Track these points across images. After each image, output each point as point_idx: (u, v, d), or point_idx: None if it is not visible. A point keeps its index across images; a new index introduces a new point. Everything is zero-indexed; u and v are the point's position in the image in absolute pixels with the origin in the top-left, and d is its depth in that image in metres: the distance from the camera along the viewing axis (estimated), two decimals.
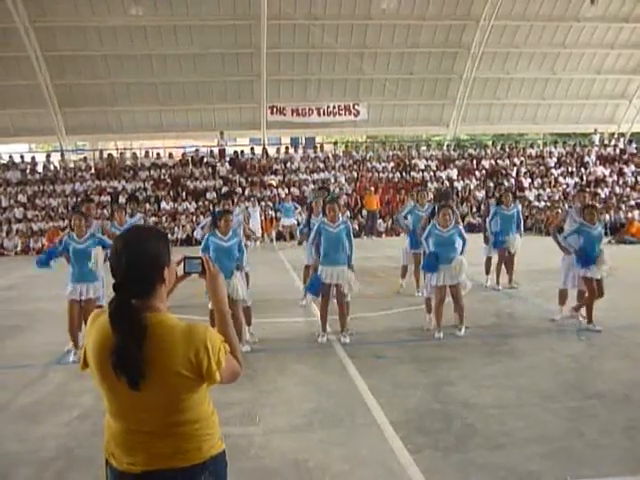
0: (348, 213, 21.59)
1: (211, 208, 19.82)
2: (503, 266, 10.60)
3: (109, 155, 24.62)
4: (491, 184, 21.46)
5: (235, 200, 9.08)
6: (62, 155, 25.08)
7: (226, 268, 6.59)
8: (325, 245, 7.41)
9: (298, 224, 15.71)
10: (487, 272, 10.76)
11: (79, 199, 18.18)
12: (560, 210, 9.12)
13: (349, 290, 7.45)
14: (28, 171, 23.59)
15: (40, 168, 23.95)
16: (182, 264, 2.31)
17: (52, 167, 23.93)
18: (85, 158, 25.54)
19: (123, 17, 22.46)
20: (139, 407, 2.11)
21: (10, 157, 24.14)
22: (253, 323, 7.63)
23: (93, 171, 23.78)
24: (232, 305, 6.27)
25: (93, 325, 2.20)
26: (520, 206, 11.12)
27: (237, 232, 7.39)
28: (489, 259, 10.83)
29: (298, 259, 11.74)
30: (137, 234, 2.25)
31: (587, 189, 15.04)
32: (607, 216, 19.81)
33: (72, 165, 24.66)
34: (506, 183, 20.79)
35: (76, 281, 7.01)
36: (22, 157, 24.28)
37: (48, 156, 24.84)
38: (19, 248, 19.56)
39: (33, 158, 24.69)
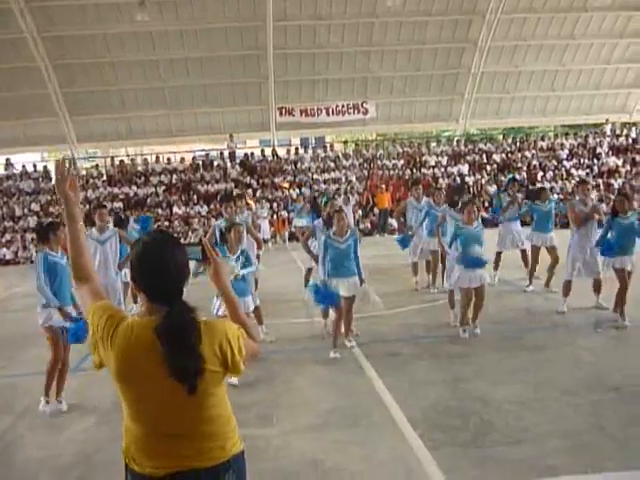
0: (360, 212, 21.65)
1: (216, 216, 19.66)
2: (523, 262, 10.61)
3: (120, 162, 24.73)
4: (502, 178, 21.32)
5: (237, 202, 8.76)
6: (74, 163, 25.21)
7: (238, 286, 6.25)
8: (333, 258, 7.00)
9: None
10: (496, 268, 10.51)
11: (92, 206, 18.25)
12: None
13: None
14: (41, 180, 23.75)
15: (53, 176, 24.09)
16: None
17: None
18: (97, 165, 25.65)
19: (129, 24, 22.48)
20: (173, 408, 2.13)
21: (23, 167, 24.31)
22: (268, 324, 7.63)
23: (105, 178, 23.89)
24: None
25: (114, 334, 2.16)
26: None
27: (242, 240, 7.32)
28: (499, 254, 10.68)
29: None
30: (168, 242, 2.27)
31: (588, 180, 14.82)
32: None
33: (84, 173, 24.78)
34: (518, 177, 20.52)
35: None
36: (35, 166, 24.43)
37: None
38: (34, 257, 19.63)
39: (45, 167, 24.83)
